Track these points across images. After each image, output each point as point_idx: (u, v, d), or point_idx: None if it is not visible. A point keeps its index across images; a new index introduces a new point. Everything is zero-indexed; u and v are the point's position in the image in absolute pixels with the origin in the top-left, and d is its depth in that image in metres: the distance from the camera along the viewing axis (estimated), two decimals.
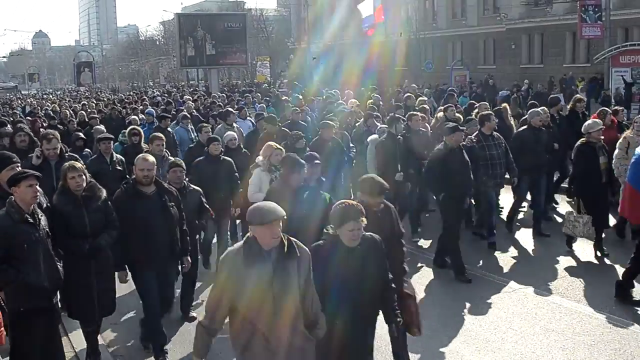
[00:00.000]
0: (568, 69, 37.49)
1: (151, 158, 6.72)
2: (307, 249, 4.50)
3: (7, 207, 5.58)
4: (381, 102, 17.20)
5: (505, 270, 9.57)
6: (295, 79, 53.24)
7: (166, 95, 35.21)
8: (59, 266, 5.91)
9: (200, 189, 8.02)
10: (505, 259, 10.03)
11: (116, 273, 6.67)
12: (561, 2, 37.04)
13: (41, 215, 5.76)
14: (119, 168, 9.39)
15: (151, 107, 19.78)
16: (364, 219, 4.69)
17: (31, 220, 5.59)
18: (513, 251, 10.43)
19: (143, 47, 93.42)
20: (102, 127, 15.71)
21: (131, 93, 44.23)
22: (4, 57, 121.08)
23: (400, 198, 10.15)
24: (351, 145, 12.45)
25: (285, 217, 4.28)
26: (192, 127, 14.29)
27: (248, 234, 4.37)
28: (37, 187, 5.67)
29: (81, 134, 11.73)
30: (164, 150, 9.76)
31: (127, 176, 8.92)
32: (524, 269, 9.50)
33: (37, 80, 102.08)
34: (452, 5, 48.72)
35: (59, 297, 6.20)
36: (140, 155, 6.88)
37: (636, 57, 27.93)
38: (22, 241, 5.50)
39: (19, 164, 6.65)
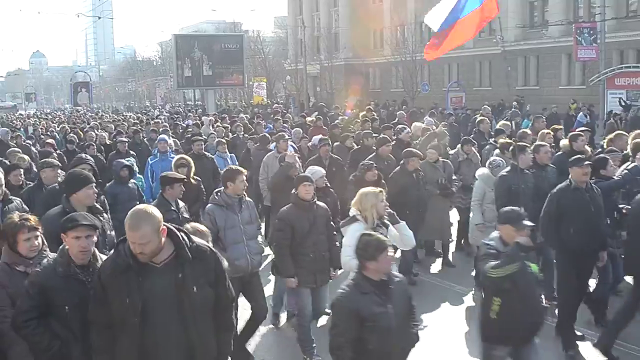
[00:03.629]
0: (564, 90, 37.67)
1: (149, 224, 3.92)
2: None
3: (58, 255, 4.50)
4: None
5: None
6: (293, 100, 53.48)
7: (176, 116, 33.14)
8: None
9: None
10: None
11: None
12: (557, 25, 37.29)
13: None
14: (186, 217, 7.27)
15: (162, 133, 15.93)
16: None
17: (82, 277, 4.38)
18: None
19: (140, 67, 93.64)
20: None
21: (138, 113, 42.11)
22: (1, 77, 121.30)
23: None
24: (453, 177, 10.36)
25: None
26: (231, 154, 12.64)
27: None
28: (92, 239, 4.48)
29: (125, 161, 9.63)
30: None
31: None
32: None
33: (34, 100, 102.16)
34: None
35: None
36: (135, 210, 4.06)
37: (631, 79, 28.14)
38: (63, 301, 4.33)
39: (94, 184, 5.90)
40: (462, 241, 11.16)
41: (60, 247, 4.52)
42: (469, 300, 9.05)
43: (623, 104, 27.52)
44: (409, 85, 43.85)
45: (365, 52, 53.99)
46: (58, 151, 14.26)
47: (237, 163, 12.22)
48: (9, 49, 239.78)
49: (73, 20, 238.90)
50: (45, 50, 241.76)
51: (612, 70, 29.42)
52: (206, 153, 11.63)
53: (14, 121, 42.74)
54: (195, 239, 4.18)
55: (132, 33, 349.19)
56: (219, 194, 6.94)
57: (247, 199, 7.10)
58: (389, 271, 4.65)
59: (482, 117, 14.86)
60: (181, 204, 7.39)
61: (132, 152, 13.18)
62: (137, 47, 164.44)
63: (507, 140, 10.24)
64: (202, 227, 5.16)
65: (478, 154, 11.03)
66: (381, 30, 52.86)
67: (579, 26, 32.99)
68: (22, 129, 28.88)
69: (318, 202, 7.06)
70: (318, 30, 57.71)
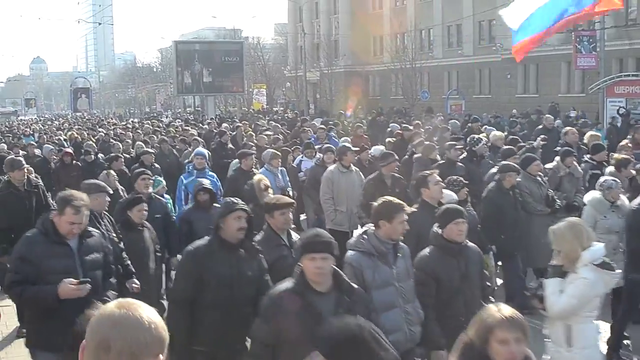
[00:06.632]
0: (563, 98, 37.67)
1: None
2: None
3: None
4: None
5: None
6: (293, 106, 53.49)
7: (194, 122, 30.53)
8: None
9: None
10: None
11: None
12: (556, 33, 37.31)
13: None
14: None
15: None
16: None
17: None
18: None
19: (140, 73, 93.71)
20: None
21: (153, 120, 38.59)
22: (1, 82, 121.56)
23: None
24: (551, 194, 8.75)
25: None
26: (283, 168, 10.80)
27: None
28: None
29: (205, 182, 7.84)
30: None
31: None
32: None
33: (34, 106, 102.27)
34: (448, 34, 49.08)
35: None
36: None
37: (631, 87, 28.08)
38: None
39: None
40: None
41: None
42: None
43: (623, 112, 27.48)
44: (409, 92, 43.83)
45: (365, 59, 54.06)
46: (75, 161, 13.06)
47: (287, 179, 10.66)
48: (10, 55, 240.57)
49: (73, 26, 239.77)
50: (46, 56, 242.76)
51: (612, 78, 29.40)
52: (255, 170, 9.82)
53: (22, 127, 39.54)
54: None
55: (132, 39, 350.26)
56: (365, 237, 4.86)
57: (401, 244, 5.00)
58: None
59: (568, 128, 13.16)
60: (294, 236, 5.45)
61: (157, 165, 11.76)
62: (137, 53, 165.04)
63: (624, 156, 8.83)
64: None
65: (579, 168, 9.57)
66: (381, 37, 52.93)
67: (579, 34, 32.97)
68: (30, 136, 26.23)
69: (468, 243, 5.22)
70: (318, 37, 57.76)
